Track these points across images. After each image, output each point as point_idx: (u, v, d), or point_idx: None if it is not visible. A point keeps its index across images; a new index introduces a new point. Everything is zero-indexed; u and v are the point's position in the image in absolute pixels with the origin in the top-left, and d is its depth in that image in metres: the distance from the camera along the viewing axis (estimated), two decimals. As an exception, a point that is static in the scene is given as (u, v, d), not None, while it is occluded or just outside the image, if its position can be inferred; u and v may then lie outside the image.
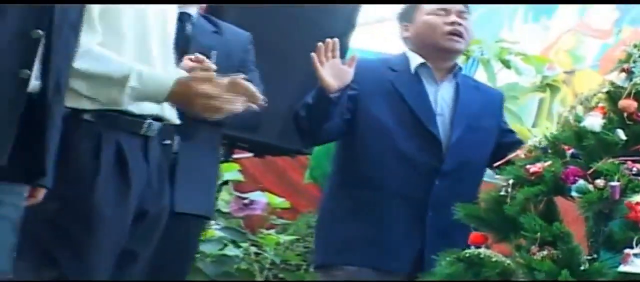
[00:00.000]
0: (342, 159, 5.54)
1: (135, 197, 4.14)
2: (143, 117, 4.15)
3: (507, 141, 5.44)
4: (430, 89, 5.38)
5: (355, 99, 5.27)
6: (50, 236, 4.05)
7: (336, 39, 5.13)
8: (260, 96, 4.26)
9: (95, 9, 4.00)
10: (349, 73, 5.10)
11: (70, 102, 3.95)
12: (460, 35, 5.41)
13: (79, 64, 3.90)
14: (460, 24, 5.41)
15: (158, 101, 4.16)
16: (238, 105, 4.18)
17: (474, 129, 5.37)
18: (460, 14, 5.42)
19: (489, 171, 5.53)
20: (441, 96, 5.38)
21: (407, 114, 5.30)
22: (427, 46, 5.42)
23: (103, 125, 4.07)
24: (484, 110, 5.50)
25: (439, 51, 5.39)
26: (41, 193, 3.86)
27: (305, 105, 5.16)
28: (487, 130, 5.43)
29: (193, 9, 5.32)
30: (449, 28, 5.34)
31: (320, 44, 5.06)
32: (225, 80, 4.16)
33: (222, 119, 4.89)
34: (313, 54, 5.03)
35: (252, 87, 4.20)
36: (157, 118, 4.22)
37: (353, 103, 5.27)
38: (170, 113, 4.27)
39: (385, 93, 5.35)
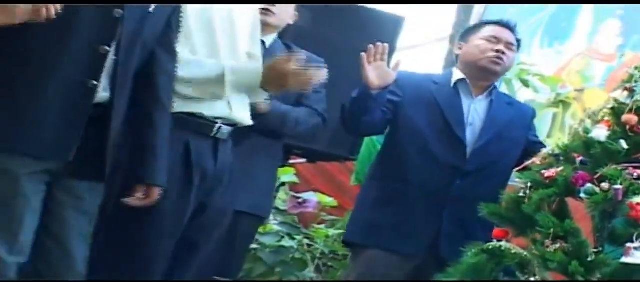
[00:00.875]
0: (381, 156, 5.57)
1: (196, 194, 4.11)
2: (214, 120, 4.13)
3: (536, 151, 5.43)
4: (465, 101, 5.39)
5: (399, 105, 5.29)
6: (113, 223, 4.03)
7: (386, 44, 5.12)
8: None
9: (190, 20, 4.03)
10: (391, 76, 5.11)
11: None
12: (501, 60, 5.43)
13: (181, 73, 3.93)
14: (504, 53, 5.43)
15: (254, 87, 4.15)
16: (317, 78, 4.21)
17: (502, 138, 5.35)
18: (508, 45, 5.44)
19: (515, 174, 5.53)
20: (474, 108, 5.39)
21: (440, 119, 5.31)
22: (471, 64, 5.43)
23: (175, 126, 4.02)
24: (513, 123, 5.47)
25: (479, 70, 5.40)
26: (157, 193, 3.90)
27: (351, 99, 5.18)
28: (515, 140, 5.41)
29: (270, 37, 5.25)
30: (494, 54, 5.35)
31: (370, 45, 5.06)
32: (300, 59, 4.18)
33: (299, 132, 4.96)
34: (363, 54, 5.04)
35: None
36: (228, 122, 4.20)
37: (395, 107, 5.29)
38: (241, 116, 4.24)
39: (426, 102, 5.36)
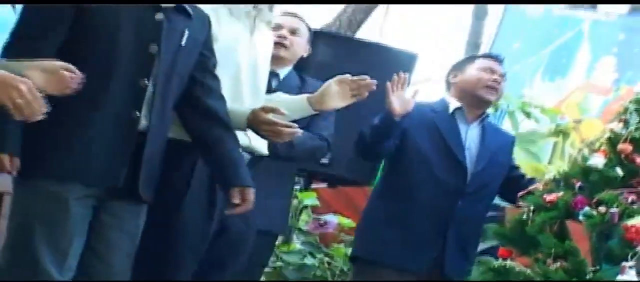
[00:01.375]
0: (386, 176, 5.55)
1: (219, 216, 4.11)
2: None
3: (513, 175, 5.47)
4: (462, 127, 5.39)
5: (405, 131, 5.28)
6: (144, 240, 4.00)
7: (407, 74, 5.15)
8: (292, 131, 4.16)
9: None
10: (411, 103, 5.12)
11: (174, 133, 3.98)
12: (496, 90, 5.46)
13: None
14: (499, 83, 5.47)
15: (242, 128, 4.09)
16: (285, 136, 4.11)
17: (493, 163, 5.36)
18: (501, 76, 5.47)
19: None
20: (470, 135, 5.39)
21: (442, 144, 5.31)
22: (468, 92, 5.42)
23: (195, 154, 4.05)
24: (501, 149, 5.50)
25: (476, 98, 5.40)
26: (251, 193, 3.98)
27: (372, 126, 5.16)
28: (502, 165, 5.43)
29: (285, 69, 5.23)
30: (490, 83, 5.38)
31: (395, 75, 5.07)
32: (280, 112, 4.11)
33: (293, 155, 4.96)
34: (388, 84, 5.04)
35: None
36: (248, 150, 4.19)
37: (402, 134, 5.29)
38: (258, 145, 4.24)
39: (428, 128, 5.36)
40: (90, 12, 3.58)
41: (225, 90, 4.07)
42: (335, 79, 4.26)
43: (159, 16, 3.75)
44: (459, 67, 5.57)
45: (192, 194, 4.04)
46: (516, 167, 5.66)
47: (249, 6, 4.12)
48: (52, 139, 3.56)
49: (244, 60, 4.13)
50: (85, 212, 3.64)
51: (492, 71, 5.43)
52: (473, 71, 5.45)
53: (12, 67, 3.32)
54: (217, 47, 4.02)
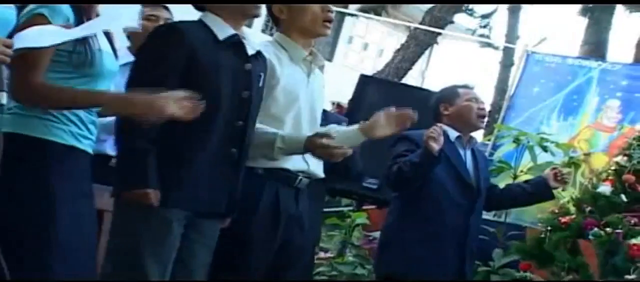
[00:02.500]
0: (409, 202, 5.31)
1: (282, 233, 3.99)
2: (296, 173, 4.03)
3: (494, 191, 5.32)
4: (461, 152, 5.21)
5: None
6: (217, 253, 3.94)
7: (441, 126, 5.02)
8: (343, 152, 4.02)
9: (280, 99, 3.96)
10: (442, 140, 5.07)
11: (250, 162, 3.90)
12: (484, 117, 5.37)
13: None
14: (485, 112, 5.39)
15: (300, 152, 4.00)
16: (338, 156, 3.98)
17: (484, 179, 5.31)
18: (484, 105, 5.38)
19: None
20: (468, 157, 5.26)
21: (453, 171, 5.13)
22: (464, 122, 5.19)
23: (268, 178, 3.95)
24: (485, 166, 5.41)
25: (470, 126, 5.22)
26: None
27: (411, 163, 4.97)
28: (487, 180, 5.34)
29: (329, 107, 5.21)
30: (480, 112, 5.28)
31: (437, 127, 4.89)
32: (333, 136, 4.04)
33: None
34: (425, 132, 4.86)
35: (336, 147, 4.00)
36: (307, 175, 4.09)
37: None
38: (316, 170, 4.13)
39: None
40: (196, 67, 3.56)
41: (288, 122, 4.01)
42: (383, 111, 4.26)
43: (248, 66, 3.74)
44: (446, 99, 5.33)
45: (260, 214, 3.94)
46: (494, 184, 5.51)
47: (306, 53, 4.11)
48: (167, 173, 3.51)
49: (303, 98, 4.04)
50: (181, 231, 3.62)
51: (477, 100, 5.35)
52: (463, 102, 5.34)
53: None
54: (281, 86, 3.96)
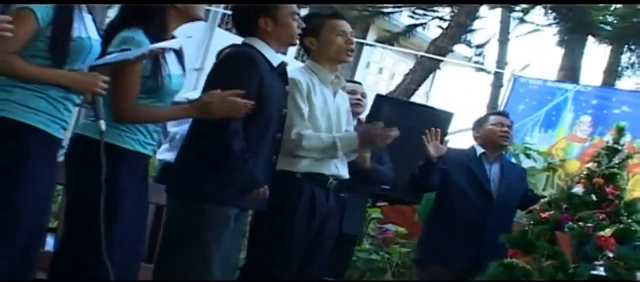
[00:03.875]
0: (436, 205, 5.45)
1: (318, 225, 4.03)
2: (328, 177, 4.04)
3: (529, 194, 5.37)
4: (487, 166, 5.31)
5: (446, 172, 5.23)
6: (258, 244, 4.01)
7: (439, 129, 5.12)
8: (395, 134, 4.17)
9: (304, 110, 3.96)
10: (443, 149, 5.10)
11: (289, 166, 3.94)
12: (507, 138, 5.41)
13: (306, 143, 3.90)
14: (508, 132, 5.40)
15: (353, 147, 4.09)
16: (390, 138, 4.14)
17: (510, 189, 5.29)
18: (509, 127, 5.41)
19: (519, 213, 5.50)
20: (493, 170, 5.31)
21: (474, 180, 5.23)
22: (488, 141, 5.35)
23: (305, 181, 3.96)
24: (516, 179, 5.39)
25: (494, 145, 5.34)
26: None
27: (418, 166, 5.14)
28: (518, 189, 5.32)
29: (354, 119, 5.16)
30: (502, 134, 5.33)
31: (427, 130, 5.07)
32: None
33: (371, 178, 4.95)
34: (423, 137, 5.06)
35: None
36: (336, 178, 4.10)
37: (445, 173, 5.23)
38: (343, 173, 4.14)
39: (463, 169, 5.29)
40: (262, 89, 3.58)
41: (323, 131, 4.02)
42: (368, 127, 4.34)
43: (287, 88, 3.79)
44: (478, 124, 5.51)
45: (299, 210, 3.97)
46: (530, 190, 5.56)
47: (332, 76, 4.12)
48: (223, 174, 3.52)
49: (332, 112, 4.08)
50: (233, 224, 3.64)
51: (502, 124, 5.37)
52: (489, 126, 5.40)
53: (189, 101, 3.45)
54: (315, 102, 3.99)
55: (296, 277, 4.03)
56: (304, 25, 3.85)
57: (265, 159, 3.69)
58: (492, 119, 5.48)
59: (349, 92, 5.16)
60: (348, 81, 5.49)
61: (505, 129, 5.38)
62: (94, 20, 3.27)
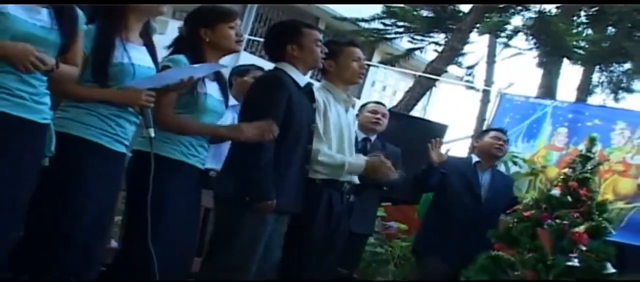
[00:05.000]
0: (433, 204, 5.43)
1: (334, 224, 4.01)
2: (343, 182, 4.03)
3: (514, 203, 5.31)
4: (480, 173, 5.28)
5: (444, 176, 5.21)
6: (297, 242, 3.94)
7: (439, 138, 5.19)
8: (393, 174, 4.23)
9: (320, 126, 3.91)
10: (444, 156, 5.12)
11: (310, 174, 3.90)
12: (502, 150, 5.38)
13: (321, 158, 3.88)
14: (503, 146, 5.37)
15: (358, 174, 4.07)
16: (391, 175, 4.19)
17: (498, 195, 5.24)
18: (505, 141, 5.39)
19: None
20: (484, 177, 5.28)
21: (468, 184, 5.22)
22: (485, 152, 5.32)
23: (324, 186, 3.94)
24: (504, 187, 5.37)
25: (489, 155, 5.31)
26: None
27: (422, 170, 5.14)
28: (505, 196, 5.28)
29: (374, 136, 5.21)
30: (498, 146, 5.30)
31: (433, 140, 5.13)
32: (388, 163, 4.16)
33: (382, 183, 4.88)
34: (429, 144, 5.09)
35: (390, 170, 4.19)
36: (350, 183, 4.09)
37: (443, 177, 5.21)
38: (355, 179, 4.12)
39: (459, 174, 5.26)
40: (290, 108, 3.59)
41: (334, 143, 3.99)
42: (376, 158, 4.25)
43: (314, 106, 3.79)
44: (479, 137, 5.51)
45: (319, 213, 3.94)
46: (516, 197, 5.44)
47: (345, 95, 4.12)
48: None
49: (344, 127, 4.05)
50: (271, 226, 3.63)
51: (499, 138, 5.35)
52: (487, 139, 5.38)
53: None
54: (330, 118, 3.97)
55: (316, 269, 4.03)
56: (326, 50, 3.85)
57: (297, 168, 3.68)
58: (492, 133, 5.47)
59: (370, 111, 5.19)
60: (374, 102, 5.52)
61: (501, 142, 5.37)
62: (150, 51, 3.23)
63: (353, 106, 4.29)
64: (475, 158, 5.38)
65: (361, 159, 4.16)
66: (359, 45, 4.25)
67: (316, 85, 4.15)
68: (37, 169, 2.88)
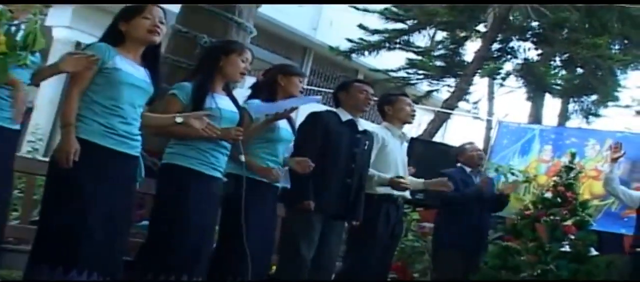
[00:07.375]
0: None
1: (391, 229, 3.95)
2: (397, 197, 3.98)
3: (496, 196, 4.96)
4: (473, 177, 4.82)
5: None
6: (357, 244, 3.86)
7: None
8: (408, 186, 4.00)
9: (373, 157, 3.83)
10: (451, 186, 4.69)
11: (370, 190, 3.82)
12: (482, 159, 5.04)
13: (375, 177, 3.86)
14: (482, 155, 5.08)
15: (386, 184, 3.91)
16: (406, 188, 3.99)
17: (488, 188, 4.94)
18: (481, 152, 5.06)
19: (510, 211, 5.19)
20: (476, 180, 4.84)
21: (466, 187, 4.76)
22: (470, 163, 4.88)
23: (379, 200, 3.89)
24: (488, 184, 4.92)
25: (474, 166, 4.88)
26: None
27: (464, 194, 4.72)
28: (488, 191, 4.90)
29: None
30: (479, 155, 4.94)
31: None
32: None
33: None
34: (480, 180, 4.82)
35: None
36: (401, 197, 4.04)
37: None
38: (406, 194, 4.06)
39: (459, 180, 4.74)
40: (328, 135, 3.54)
41: (392, 168, 3.92)
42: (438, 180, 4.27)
43: (358, 136, 3.67)
44: (460, 152, 5.01)
45: (381, 219, 3.88)
46: (498, 192, 5.04)
47: (400, 132, 4.05)
48: (315, 190, 3.45)
49: (399, 157, 4.02)
50: (320, 228, 3.53)
51: (478, 150, 5.00)
52: (470, 152, 4.92)
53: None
54: (389, 150, 3.94)
55: (375, 267, 3.95)
56: (375, 98, 3.82)
57: (338, 180, 3.56)
58: (469, 147, 5.03)
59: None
60: (467, 143, 5.10)
61: (480, 153, 5.02)
62: (232, 98, 3.16)
63: (407, 141, 4.25)
64: (466, 169, 4.90)
65: (414, 180, 4.14)
66: (408, 95, 4.26)
67: (377, 126, 4.13)
68: (134, 191, 2.80)
